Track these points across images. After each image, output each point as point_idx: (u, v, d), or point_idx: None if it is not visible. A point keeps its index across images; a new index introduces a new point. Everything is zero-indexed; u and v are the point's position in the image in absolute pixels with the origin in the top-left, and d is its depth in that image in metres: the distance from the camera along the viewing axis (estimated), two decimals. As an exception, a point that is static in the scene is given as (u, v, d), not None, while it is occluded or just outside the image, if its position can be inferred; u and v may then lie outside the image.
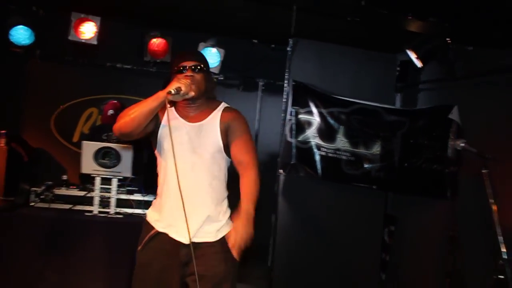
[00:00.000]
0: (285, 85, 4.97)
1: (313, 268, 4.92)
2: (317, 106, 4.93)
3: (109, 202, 4.00)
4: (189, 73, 2.34)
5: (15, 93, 5.51)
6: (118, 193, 4.05)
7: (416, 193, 4.81)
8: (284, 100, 4.98)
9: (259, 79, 5.84)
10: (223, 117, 2.44)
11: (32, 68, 5.53)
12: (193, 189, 2.35)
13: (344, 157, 4.94)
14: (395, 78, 5.28)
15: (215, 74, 5.52)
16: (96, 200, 3.98)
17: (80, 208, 4.00)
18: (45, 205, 3.95)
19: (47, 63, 5.50)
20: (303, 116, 4.91)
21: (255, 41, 5.85)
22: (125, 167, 3.97)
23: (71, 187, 4.17)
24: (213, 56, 5.37)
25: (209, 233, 2.40)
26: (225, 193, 2.51)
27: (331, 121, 4.96)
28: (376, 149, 4.96)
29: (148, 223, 2.49)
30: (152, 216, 2.50)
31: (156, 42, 5.28)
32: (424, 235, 4.82)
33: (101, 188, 4.01)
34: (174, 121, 2.38)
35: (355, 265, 5.03)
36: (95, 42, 4.99)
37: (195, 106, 2.43)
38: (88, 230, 3.84)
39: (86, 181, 4.20)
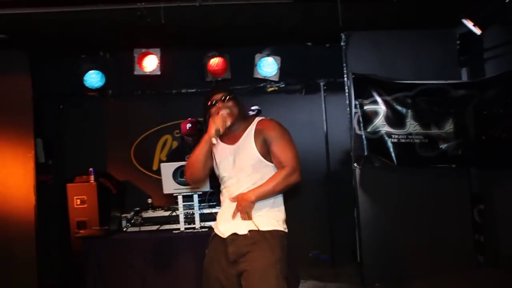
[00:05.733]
0: (345, 79, 4.99)
1: (404, 257, 4.82)
2: (380, 95, 4.89)
3: (193, 218, 4.18)
4: (220, 105, 2.66)
5: (97, 133, 5.97)
6: (200, 208, 4.21)
7: (499, 166, 4.60)
8: (346, 94, 5.01)
9: (320, 79, 5.88)
10: (257, 130, 2.69)
11: (107, 107, 5.97)
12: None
13: (417, 141, 4.85)
14: (457, 52, 5.12)
15: (275, 82, 5.64)
16: (181, 218, 4.18)
17: (168, 227, 4.21)
18: (136, 229, 4.20)
19: (119, 100, 5.90)
20: (368, 107, 4.89)
21: (309, 43, 5.91)
22: (203, 182, 4.13)
23: (157, 209, 4.40)
24: (270, 65, 5.48)
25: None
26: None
27: (398, 107, 4.90)
28: (449, 127, 4.82)
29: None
30: None
31: (215, 62, 5.49)
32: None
33: (184, 205, 4.20)
34: (220, 148, 2.71)
35: (448, 248, 4.87)
36: (158, 73, 5.29)
37: (234, 129, 2.71)
38: (178, 247, 4.04)
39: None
